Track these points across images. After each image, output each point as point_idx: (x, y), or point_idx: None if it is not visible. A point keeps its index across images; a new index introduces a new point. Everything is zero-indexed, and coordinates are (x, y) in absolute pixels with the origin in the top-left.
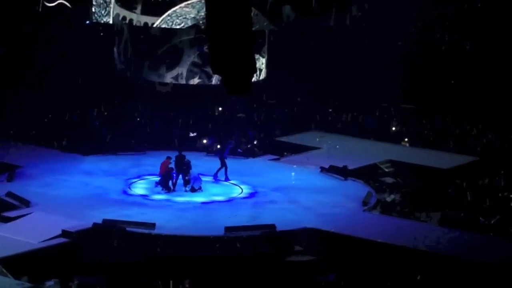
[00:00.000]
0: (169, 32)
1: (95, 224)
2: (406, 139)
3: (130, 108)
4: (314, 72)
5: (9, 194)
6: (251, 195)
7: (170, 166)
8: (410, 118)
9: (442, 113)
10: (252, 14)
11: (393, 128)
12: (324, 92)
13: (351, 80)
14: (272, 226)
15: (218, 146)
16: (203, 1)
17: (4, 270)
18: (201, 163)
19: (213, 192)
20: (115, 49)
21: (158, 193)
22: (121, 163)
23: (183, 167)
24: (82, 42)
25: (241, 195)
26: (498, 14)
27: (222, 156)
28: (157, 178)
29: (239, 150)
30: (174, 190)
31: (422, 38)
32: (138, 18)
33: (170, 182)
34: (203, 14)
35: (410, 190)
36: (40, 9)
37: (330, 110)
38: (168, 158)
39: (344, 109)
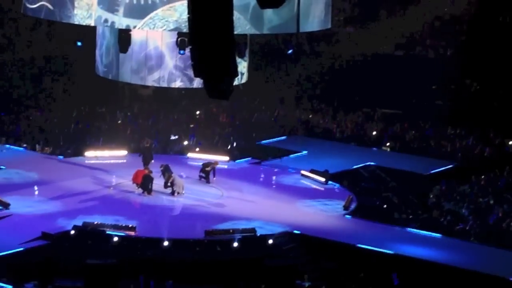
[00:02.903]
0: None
1: (75, 227)
2: (387, 144)
3: (111, 111)
4: (296, 75)
5: None
6: (229, 198)
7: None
8: (392, 123)
9: (424, 118)
10: (233, 17)
11: (374, 133)
12: (306, 95)
13: (333, 82)
14: (252, 230)
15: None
16: (185, 4)
17: None
18: (182, 167)
19: (194, 195)
20: (97, 52)
21: (139, 195)
22: (103, 166)
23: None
24: (64, 46)
25: (221, 198)
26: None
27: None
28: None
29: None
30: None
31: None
32: (120, 20)
33: (150, 185)
34: (185, 17)
35: (390, 195)
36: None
37: (310, 116)
38: (146, 169)
39: (326, 113)
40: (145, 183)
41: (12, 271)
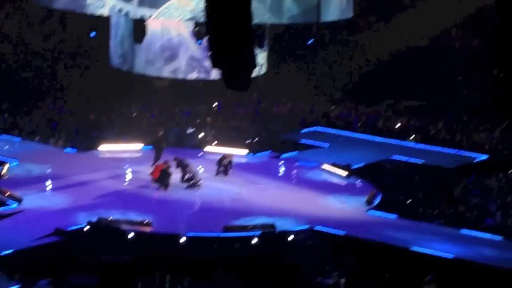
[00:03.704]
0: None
1: (89, 223)
2: (412, 136)
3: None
4: (318, 65)
5: (0, 190)
6: (248, 193)
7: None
8: (416, 115)
9: (450, 109)
10: (252, 7)
11: (398, 125)
12: (328, 86)
13: (355, 73)
14: (272, 226)
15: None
16: None
17: None
18: (199, 161)
19: (212, 189)
20: (111, 43)
21: (155, 190)
22: (114, 161)
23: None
24: (77, 36)
25: (240, 193)
26: None
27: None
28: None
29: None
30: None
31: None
32: (134, 10)
33: (167, 180)
34: (201, 6)
35: (415, 190)
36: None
37: (332, 107)
38: (166, 162)
39: (348, 104)
40: (162, 177)
41: (25, 269)
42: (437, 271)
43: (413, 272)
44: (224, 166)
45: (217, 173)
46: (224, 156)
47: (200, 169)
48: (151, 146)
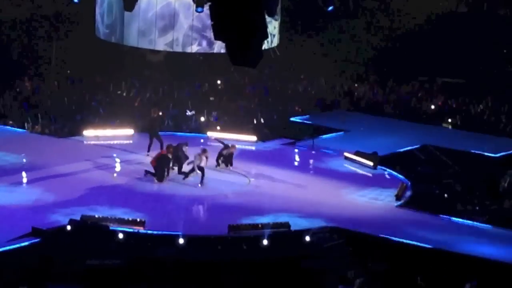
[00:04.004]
0: None
1: (71, 221)
2: (448, 120)
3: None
4: (339, 36)
5: None
6: (258, 187)
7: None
8: (454, 94)
9: (493, 88)
10: None
11: (432, 107)
12: (351, 61)
13: (382, 46)
14: (286, 225)
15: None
16: None
17: None
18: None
19: (215, 182)
20: (96, 10)
21: (149, 183)
22: (101, 149)
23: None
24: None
25: (248, 186)
26: None
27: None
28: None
29: None
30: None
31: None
32: None
33: (166, 170)
34: None
35: (452, 182)
36: None
37: (355, 86)
38: (169, 146)
39: (374, 83)
40: (159, 165)
41: None
42: (479, 277)
43: (451, 278)
44: (225, 157)
45: (218, 164)
46: (226, 147)
47: (202, 159)
48: (144, 132)
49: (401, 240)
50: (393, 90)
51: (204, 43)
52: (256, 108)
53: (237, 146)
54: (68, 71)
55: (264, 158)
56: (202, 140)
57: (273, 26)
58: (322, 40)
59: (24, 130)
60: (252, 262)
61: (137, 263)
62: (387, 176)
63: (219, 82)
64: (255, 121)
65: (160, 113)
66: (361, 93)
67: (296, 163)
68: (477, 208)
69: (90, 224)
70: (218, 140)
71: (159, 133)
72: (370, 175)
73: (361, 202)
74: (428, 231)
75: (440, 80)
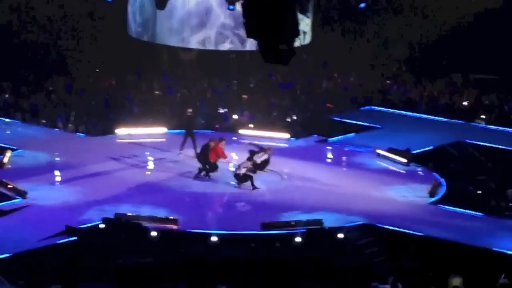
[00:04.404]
0: None
1: (105, 219)
2: (482, 116)
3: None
4: (371, 34)
5: (2, 182)
6: (291, 184)
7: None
8: (488, 91)
9: None
10: None
11: (466, 103)
12: (384, 58)
13: (415, 43)
14: (319, 222)
15: None
16: None
17: None
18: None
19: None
20: (129, 9)
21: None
22: (134, 147)
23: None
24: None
25: (281, 183)
26: None
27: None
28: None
29: None
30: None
31: None
32: None
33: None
34: None
35: (485, 178)
36: None
37: (388, 83)
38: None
39: (407, 80)
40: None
41: (31, 273)
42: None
43: (486, 274)
44: (256, 165)
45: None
46: (261, 150)
47: (234, 157)
48: (179, 130)
49: (434, 236)
50: (426, 87)
51: (236, 40)
52: (289, 105)
53: (271, 146)
54: (97, 70)
55: (297, 155)
56: (234, 138)
57: (305, 23)
58: (354, 37)
59: (57, 129)
60: (285, 260)
61: (170, 261)
62: (420, 173)
63: (251, 80)
64: (288, 119)
65: (192, 113)
66: (394, 90)
67: (329, 160)
68: (511, 204)
69: (124, 222)
70: (253, 145)
71: (194, 131)
72: (403, 172)
73: (394, 199)
74: (461, 228)
75: (473, 76)
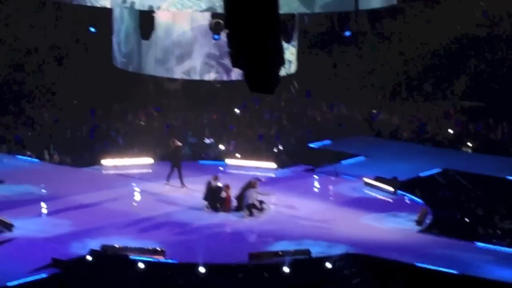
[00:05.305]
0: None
1: (92, 251)
2: (468, 144)
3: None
4: (357, 61)
5: None
6: (278, 214)
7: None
8: (474, 118)
9: None
10: None
11: (451, 131)
12: (369, 86)
13: (400, 70)
14: (306, 252)
15: None
16: None
17: None
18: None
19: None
20: (113, 39)
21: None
22: (120, 178)
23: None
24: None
25: (268, 214)
26: None
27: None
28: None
29: None
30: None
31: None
32: (141, 0)
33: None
34: None
35: (473, 206)
36: None
37: (375, 111)
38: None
39: (392, 107)
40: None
41: None
42: None
43: None
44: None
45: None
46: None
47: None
48: (165, 160)
49: (423, 265)
50: (412, 114)
51: (222, 70)
52: (275, 134)
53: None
54: (75, 102)
55: (283, 184)
56: (221, 168)
57: (290, 52)
58: (339, 65)
59: (42, 161)
60: None
61: None
62: (408, 201)
63: (237, 110)
64: (274, 149)
65: (180, 144)
66: (380, 118)
67: (316, 189)
68: (499, 232)
69: (111, 254)
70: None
71: (180, 162)
72: (391, 200)
73: (381, 227)
74: (450, 256)
75: (459, 103)
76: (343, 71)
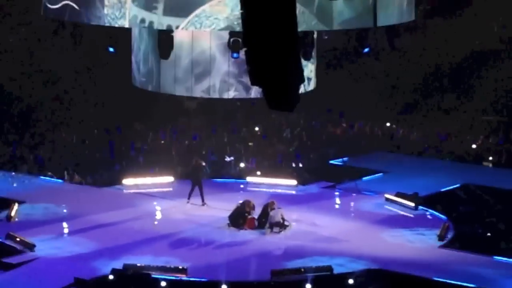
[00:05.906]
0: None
1: (114, 270)
2: (489, 158)
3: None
4: (376, 78)
5: (10, 236)
6: (299, 231)
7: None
8: (495, 132)
9: None
10: (297, 12)
11: (473, 146)
12: (390, 102)
13: (420, 85)
14: (328, 268)
15: None
16: None
17: None
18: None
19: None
20: (132, 59)
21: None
22: (141, 197)
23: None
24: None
25: (290, 231)
26: None
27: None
28: None
29: None
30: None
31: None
32: (159, 20)
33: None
34: (237, 13)
35: (494, 220)
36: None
37: (394, 127)
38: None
39: (414, 123)
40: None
41: None
42: None
43: None
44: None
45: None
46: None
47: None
48: (186, 179)
49: (445, 280)
50: (433, 130)
51: (241, 88)
52: (295, 151)
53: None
54: (106, 121)
55: (304, 201)
56: (242, 186)
57: (309, 69)
58: (359, 81)
59: (63, 181)
60: None
61: None
62: (429, 217)
63: (256, 128)
64: (293, 165)
65: (204, 163)
66: (401, 134)
67: (336, 206)
68: None
69: (133, 273)
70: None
71: (201, 180)
72: (412, 216)
73: (403, 243)
74: (472, 271)
75: (481, 117)
76: (362, 87)
